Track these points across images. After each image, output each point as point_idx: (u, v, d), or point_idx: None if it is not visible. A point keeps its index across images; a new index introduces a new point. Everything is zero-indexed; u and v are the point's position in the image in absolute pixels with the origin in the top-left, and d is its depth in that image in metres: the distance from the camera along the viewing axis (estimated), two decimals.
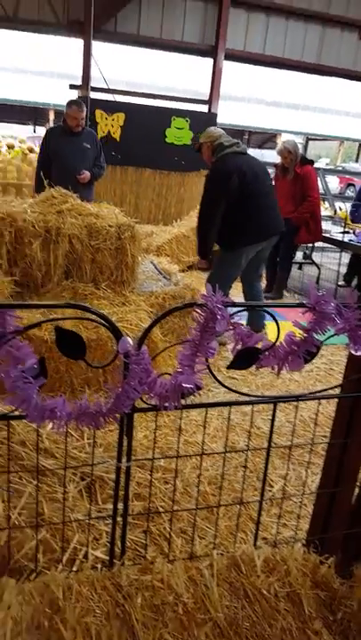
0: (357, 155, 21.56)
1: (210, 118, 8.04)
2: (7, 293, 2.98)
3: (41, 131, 16.41)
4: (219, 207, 3.49)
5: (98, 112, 7.34)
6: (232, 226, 3.56)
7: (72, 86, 7.73)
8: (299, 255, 6.39)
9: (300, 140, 17.05)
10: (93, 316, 1.08)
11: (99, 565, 1.48)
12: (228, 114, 9.37)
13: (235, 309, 1.21)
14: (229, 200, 3.48)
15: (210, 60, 8.13)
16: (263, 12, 8.30)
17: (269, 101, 10.75)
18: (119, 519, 1.42)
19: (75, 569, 1.54)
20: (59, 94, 8.89)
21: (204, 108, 8.23)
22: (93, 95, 7.53)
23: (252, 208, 3.55)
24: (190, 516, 1.91)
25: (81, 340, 1.07)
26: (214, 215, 3.51)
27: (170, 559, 1.46)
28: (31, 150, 8.37)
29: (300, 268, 6.41)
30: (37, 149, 5.43)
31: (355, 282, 5.90)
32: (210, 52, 8.11)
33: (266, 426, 2.71)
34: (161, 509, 1.93)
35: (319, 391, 1.39)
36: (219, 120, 8.22)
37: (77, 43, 7.61)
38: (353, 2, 8.59)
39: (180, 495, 2.06)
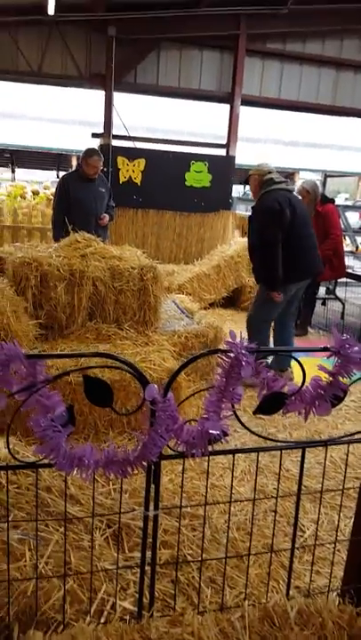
0: None
1: (228, 161, 8.27)
2: (32, 336, 3.04)
3: None
4: (278, 235, 3.48)
5: (120, 159, 7.64)
6: (284, 259, 3.55)
7: (94, 135, 8.09)
8: (322, 290, 6.37)
9: (318, 177, 17.27)
10: (121, 364, 1.10)
11: (127, 617, 1.45)
12: (247, 154, 9.60)
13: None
14: (284, 231, 3.49)
15: (227, 106, 8.42)
16: (277, 59, 8.63)
17: (287, 141, 11.01)
18: (147, 568, 1.39)
19: (103, 620, 1.50)
20: (81, 141, 9.28)
21: (222, 152, 8.47)
22: (115, 142, 7.86)
23: (298, 247, 3.57)
24: (220, 564, 1.86)
25: (108, 388, 1.09)
26: (277, 244, 3.50)
27: (200, 610, 1.42)
28: None
29: (323, 303, 6.38)
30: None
31: None
32: (227, 98, 8.41)
33: (295, 467, 2.64)
34: (189, 557, 1.89)
35: (348, 435, 1.36)
36: (238, 161, 8.45)
37: (99, 93, 8.02)
38: None
39: (208, 542, 2.01)
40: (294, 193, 3.76)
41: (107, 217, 4.85)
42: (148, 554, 1.35)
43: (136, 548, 1.80)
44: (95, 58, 7.87)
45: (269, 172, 3.70)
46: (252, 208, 3.77)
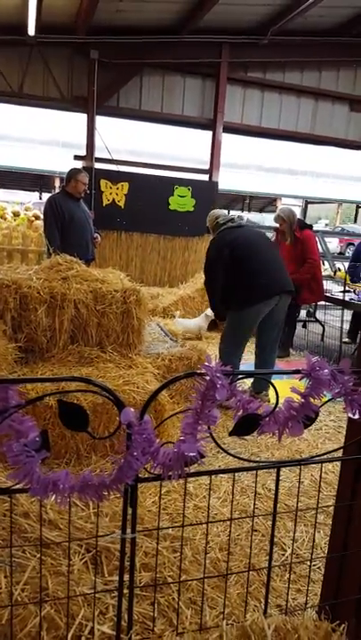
0: (355, 215, 22.20)
1: (211, 187, 8.44)
2: (11, 359, 3.02)
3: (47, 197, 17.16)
4: (217, 276, 3.82)
5: (103, 181, 7.74)
6: (234, 289, 3.74)
7: (76, 157, 8.17)
8: (303, 313, 6.49)
9: (299, 204, 17.64)
10: (97, 389, 1.13)
11: None
12: (229, 180, 9.82)
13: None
14: (226, 268, 3.75)
15: (209, 133, 8.63)
16: (258, 88, 8.90)
17: (268, 168, 11.29)
18: (126, 591, 1.40)
19: None
20: (64, 163, 9.38)
21: (205, 177, 8.65)
22: (98, 165, 7.96)
23: (249, 272, 3.73)
24: (200, 585, 1.86)
25: (84, 412, 1.12)
26: (214, 284, 3.86)
27: (179, 632, 1.42)
28: (37, 217, 8.66)
29: (304, 326, 6.50)
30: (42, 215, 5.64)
31: (359, 337, 5.96)
32: (209, 125, 8.62)
33: None
34: (170, 579, 1.89)
35: (321, 454, 1.40)
36: (220, 187, 8.62)
37: (82, 116, 8.08)
38: (341, 77, 9.22)
39: (189, 564, 2.01)
40: (243, 225, 4.03)
41: (99, 237, 5.06)
42: (127, 577, 1.36)
43: (115, 571, 1.80)
44: (77, 80, 7.93)
45: (216, 218, 4.05)
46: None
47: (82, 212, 4.91)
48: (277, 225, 5.38)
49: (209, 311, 5.43)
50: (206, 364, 1.23)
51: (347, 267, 6.54)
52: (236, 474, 2.72)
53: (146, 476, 1.23)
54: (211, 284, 3.96)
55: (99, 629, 1.58)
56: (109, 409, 2.87)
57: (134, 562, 1.35)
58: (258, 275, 3.74)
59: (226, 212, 4.13)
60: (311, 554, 2.00)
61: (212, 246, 3.93)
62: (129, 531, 1.27)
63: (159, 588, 1.81)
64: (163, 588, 1.84)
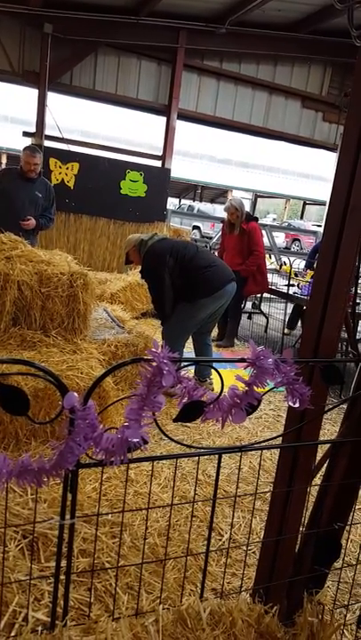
0: (302, 212, 22.80)
1: (164, 173, 8.38)
2: None
3: None
4: (164, 289, 3.78)
5: (52, 160, 7.50)
6: (186, 286, 3.78)
7: (25, 133, 7.86)
8: (249, 305, 6.63)
9: (249, 197, 17.88)
10: (39, 372, 1.10)
11: (39, 628, 1.42)
12: (182, 169, 9.79)
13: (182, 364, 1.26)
14: (172, 272, 3.76)
15: (163, 118, 8.55)
16: (214, 77, 8.89)
17: (220, 159, 11.34)
18: (62, 577, 1.38)
19: (13, 634, 1.47)
20: (12, 139, 8.99)
21: (157, 163, 8.57)
22: (47, 143, 7.70)
23: (196, 269, 3.80)
24: (138, 570, 1.87)
25: (24, 396, 1.08)
26: (164, 298, 3.82)
27: (115, 617, 1.42)
28: None
29: (249, 317, 6.64)
30: None
31: (299, 329, 6.17)
32: (163, 110, 8.53)
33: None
34: (107, 565, 1.89)
35: (261, 442, 1.44)
36: (173, 174, 8.56)
37: (33, 91, 7.76)
38: (295, 73, 9.37)
39: (127, 549, 2.02)
40: (165, 238, 4.06)
41: (32, 221, 4.58)
42: (64, 563, 1.35)
43: (53, 557, 1.78)
44: (29, 54, 7.59)
45: (138, 239, 3.97)
46: (140, 272, 4.04)
47: (25, 192, 4.62)
48: (229, 215, 5.43)
49: None
50: (153, 349, 1.22)
51: (300, 262, 6.75)
52: (178, 460, 2.75)
53: (87, 461, 1.22)
54: (158, 291, 3.85)
55: (33, 616, 1.55)
56: (51, 394, 2.81)
57: (72, 548, 1.33)
58: (208, 268, 3.81)
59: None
60: (248, 539, 2.06)
61: (149, 257, 3.84)
62: (68, 517, 1.25)
63: (97, 573, 1.81)
64: (100, 574, 1.83)
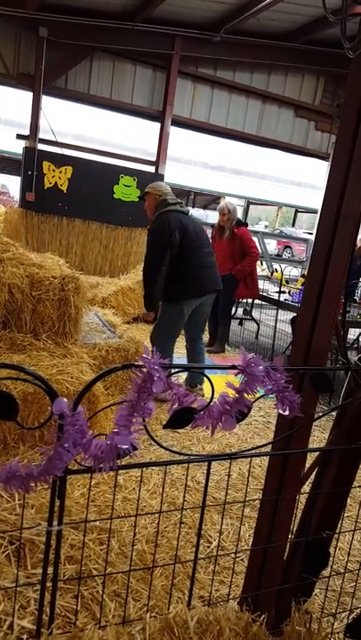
0: (294, 219, 22.93)
1: (157, 178, 8.39)
2: None
3: None
4: (163, 259, 3.62)
5: (45, 163, 7.49)
6: (174, 280, 3.70)
7: (19, 136, 7.86)
8: (240, 311, 6.64)
9: (241, 203, 17.95)
10: (28, 377, 1.09)
11: (25, 636, 1.41)
12: (175, 174, 9.80)
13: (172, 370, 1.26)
14: (172, 253, 3.64)
15: (158, 124, 8.58)
16: (208, 84, 8.94)
17: (214, 165, 11.38)
18: (49, 584, 1.37)
19: None
20: (5, 141, 8.98)
21: (151, 169, 8.59)
22: (41, 147, 7.70)
23: (194, 264, 3.72)
24: (125, 577, 1.86)
25: (13, 400, 1.07)
26: (159, 266, 3.64)
27: (101, 625, 1.41)
28: None
29: (240, 323, 6.65)
30: None
31: (291, 336, 6.20)
32: (157, 116, 8.56)
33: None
34: (95, 572, 1.87)
35: (251, 449, 1.44)
36: (166, 180, 8.57)
37: (27, 94, 7.77)
38: (289, 82, 9.46)
39: (115, 556, 2.00)
40: (190, 214, 3.91)
41: None
42: (51, 569, 1.33)
43: (39, 564, 1.76)
44: (25, 57, 7.60)
45: (164, 194, 3.83)
46: (148, 229, 3.87)
47: None
48: (220, 216, 5.45)
49: None
50: (144, 355, 1.22)
51: (292, 269, 6.78)
52: (167, 467, 2.74)
53: (76, 467, 1.21)
54: (153, 266, 3.65)
55: (19, 624, 1.53)
56: (40, 399, 2.79)
57: (59, 554, 1.32)
58: (203, 269, 3.78)
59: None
60: (236, 546, 2.05)
61: (161, 222, 3.66)
62: (55, 523, 1.23)
63: (83, 580, 1.79)
64: (87, 581, 1.82)
